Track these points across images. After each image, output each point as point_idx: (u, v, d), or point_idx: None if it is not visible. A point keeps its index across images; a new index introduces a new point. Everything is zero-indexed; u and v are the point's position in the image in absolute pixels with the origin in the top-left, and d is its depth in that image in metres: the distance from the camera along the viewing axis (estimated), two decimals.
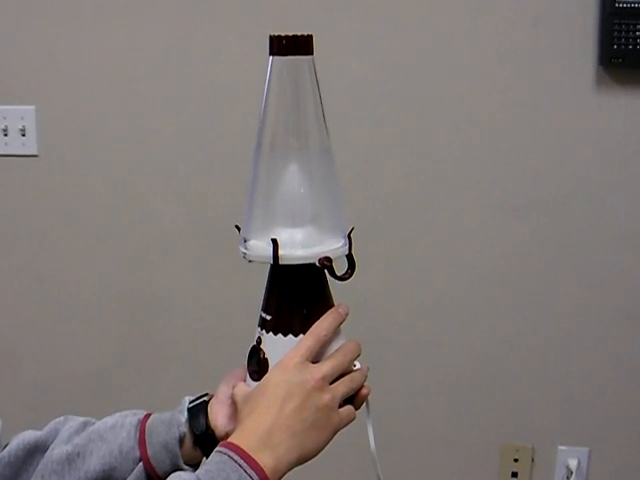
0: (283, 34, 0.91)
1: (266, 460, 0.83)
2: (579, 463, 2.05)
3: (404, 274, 2.03)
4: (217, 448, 0.85)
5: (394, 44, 1.91)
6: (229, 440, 0.85)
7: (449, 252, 2.00)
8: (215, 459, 0.83)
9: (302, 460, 0.87)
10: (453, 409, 2.09)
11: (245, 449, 0.83)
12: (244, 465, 0.82)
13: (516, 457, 2.08)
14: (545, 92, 1.90)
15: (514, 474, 2.09)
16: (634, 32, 1.81)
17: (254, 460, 0.83)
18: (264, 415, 0.86)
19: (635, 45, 1.81)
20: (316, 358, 0.91)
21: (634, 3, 1.79)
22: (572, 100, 1.89)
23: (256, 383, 0.92)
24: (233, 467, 0.82)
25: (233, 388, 0.95)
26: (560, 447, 2.07)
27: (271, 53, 0.92)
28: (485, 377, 2.06)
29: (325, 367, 0.90)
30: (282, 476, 0.85)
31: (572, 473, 2.05)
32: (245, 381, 0.96)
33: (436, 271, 2.02)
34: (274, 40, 0.91)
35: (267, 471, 0.83)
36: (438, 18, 1.89)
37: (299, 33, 0.91)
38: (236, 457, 0.83)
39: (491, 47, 1.89)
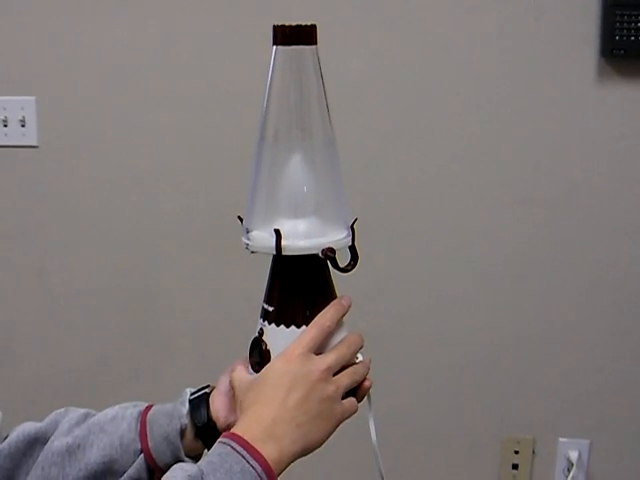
0: (287, 24, 0.90)
1: (269, 451, 0.83)
2: (580, 455, 2.05)
3: (407, 266, 2.02)
4: (220, 439, 0.84)
5: (397, 36, 1.91)
6: (232, 431, 0.85)
7: (452, 245, 2.00)
8: (218, 450, 0.83)
9: (305, 451, 0.86)
10: (454, 401, 2.09)
11: (248, 440, 0.83)
12: (247, 456, 0.81)
13: (517, 449, 2.08)
14: (547, 84, 1.89)
15: (515, 466, 2.09)
16: (636, 23, 1.80)
17: (257, 451, 0.82)
18: (268, 406, 0.86)
19: (637, 36, 1.80)
20: (319, 349, 0.91)
21: None
22: (574, 92, 1.89)
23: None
24: (236, 458, 0.81)
25: (232, 372, 0.95)
26: (561, 439, 2.07)
27: (275, 43, 0.91)
28: (486, 369, 2.06)
29: (329, 358, 0.89)
30: (285, 467, 0.84)
31: (573, 465, 2.05)
32: None
33: (439, 264, 2.01)
34: (278, 30, 0.91)
35: (270, 462, 0.82)
36: (441, 10, 1.88)
37: (303, 23, 0.91)
38: (239, 448, 0.82)
39: (493, 39, 1.88)
